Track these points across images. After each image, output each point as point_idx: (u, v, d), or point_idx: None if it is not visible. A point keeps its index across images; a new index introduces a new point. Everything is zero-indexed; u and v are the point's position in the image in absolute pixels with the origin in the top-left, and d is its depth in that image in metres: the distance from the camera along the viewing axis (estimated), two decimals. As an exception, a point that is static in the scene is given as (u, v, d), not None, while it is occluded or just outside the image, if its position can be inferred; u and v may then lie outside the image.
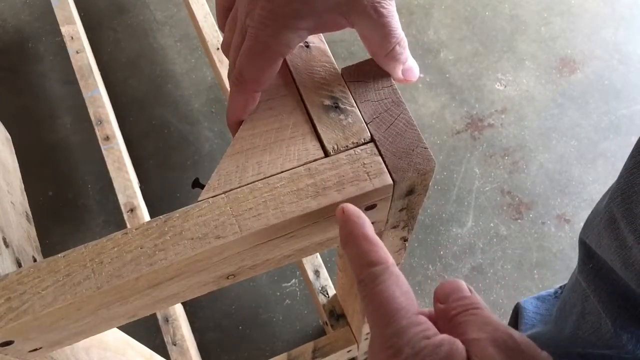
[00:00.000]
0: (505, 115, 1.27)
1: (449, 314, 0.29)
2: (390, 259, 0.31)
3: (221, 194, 0.35)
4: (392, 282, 0.29)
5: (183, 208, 0.35)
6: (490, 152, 1.23)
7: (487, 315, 0.29)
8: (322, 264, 0.97)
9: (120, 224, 1.10)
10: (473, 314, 0.29)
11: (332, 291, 0.94)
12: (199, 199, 0.35)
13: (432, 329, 0.28)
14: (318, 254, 0.95)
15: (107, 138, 1.08)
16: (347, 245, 0.32)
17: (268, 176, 0.36)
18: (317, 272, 0.96)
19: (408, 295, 0.29)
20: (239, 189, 0.35)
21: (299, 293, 1.11)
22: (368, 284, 0.30)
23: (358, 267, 0.31)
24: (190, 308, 1.07)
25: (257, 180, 0.36)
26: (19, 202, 0.44)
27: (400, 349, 0.27)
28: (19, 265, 0.37)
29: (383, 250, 0.31)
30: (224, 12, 0.40)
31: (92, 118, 1.09)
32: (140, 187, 1.08)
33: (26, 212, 0.45)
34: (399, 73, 0.39)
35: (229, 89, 1.19)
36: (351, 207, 0.33)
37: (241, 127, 0.38)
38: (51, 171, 1.24)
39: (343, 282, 0.79)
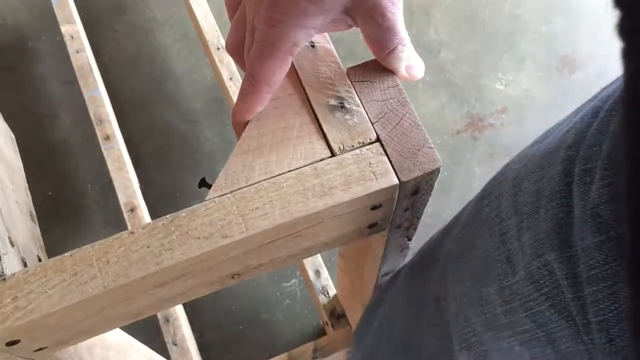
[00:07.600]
0: (506, 115, 1.27)
1: None
2: None
3: (228, 193, 0.35)
4: None
5: (190, 207, 0.35)
6: (490, 152, 1.23)
7: None
8: (323, 264, 0.97)
9: (121, 224, 1.10)
10: None
11: (332, 291, 0.94)
12: (206, 198, 0.35)
13: None
14: (319, 254, 0.95)
15: (107, 138, 1.08)
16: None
17: (275, 175, 0.36)
18: (317, 272, 0.96)
19: None
20: (245, 189, 0.35)
21: (299, 293, 1.11)
22: None
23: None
24: (190, 308, 1.07)
25: (264, 180, 0.36)
26: (24, 202, 0.44)
27: None
28: (25, 264, 0.37)
29: None
30: (234, 11, 0.40)
31: (92, 118, 1.09)
32: (140, 187, 1.08)
33: (30, 211, 0.45)
34: (402, 71, 0.39)
35: (228, 89, 1.17)
36: None
37: (248, 126, 0.38)
38: (51, 171, 1.23)
39: (344, 282, 0.79)
